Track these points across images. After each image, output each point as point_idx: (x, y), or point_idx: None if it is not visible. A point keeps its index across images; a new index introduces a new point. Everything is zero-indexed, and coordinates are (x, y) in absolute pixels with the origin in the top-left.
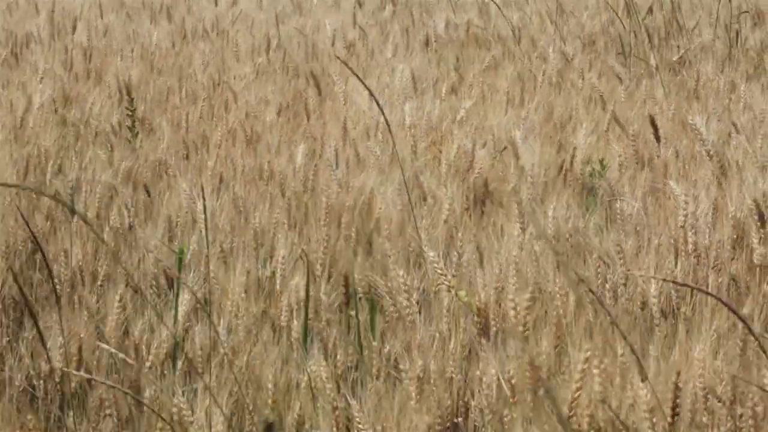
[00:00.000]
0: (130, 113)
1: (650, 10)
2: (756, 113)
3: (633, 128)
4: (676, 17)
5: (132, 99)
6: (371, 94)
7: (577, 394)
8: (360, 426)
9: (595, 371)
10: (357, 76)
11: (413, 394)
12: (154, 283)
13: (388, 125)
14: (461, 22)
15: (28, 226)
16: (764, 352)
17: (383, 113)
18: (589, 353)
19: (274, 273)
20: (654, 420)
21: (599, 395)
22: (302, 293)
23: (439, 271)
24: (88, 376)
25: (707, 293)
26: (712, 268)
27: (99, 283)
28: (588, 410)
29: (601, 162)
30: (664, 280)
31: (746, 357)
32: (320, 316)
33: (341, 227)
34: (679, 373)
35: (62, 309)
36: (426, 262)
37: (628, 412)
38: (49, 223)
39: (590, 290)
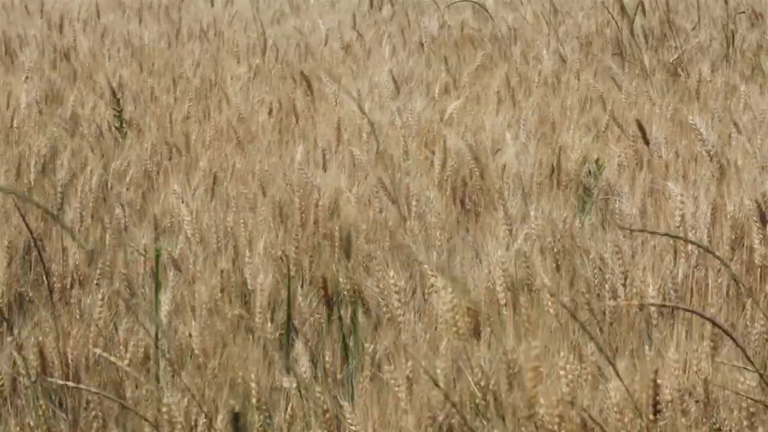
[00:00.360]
0: (117, 114)
1: (644, 10)
2: (756, 113)
3: (632, 129)
4: (672, 18)
5: (118, 99)
6: (357, 96)
7: (536, 394)
8: (352, 427)
9: (562, 372)
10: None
11: (403, 395)
12: (126, 285)
13: (373, 128)
14: (456, 23)
15: (27, 226)
16: (748, 358)
17: (366, 115)
18: (535, 351)
19: (243, 273)
20: (625, 420)
21: (568, 396)
22: (276, 294)
23: (430, 272)
24: (71, 384)
25: (687, 310)
26: (696, 267)
27: (95, 282)
28: (557, 410)
29: (596, 162)
30: (650, 304)
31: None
32: (297, 317)
33: (319, 228)
34: (656, 372)
35: (55, 308)
36: (411, 265)
37: (600, 412)
38: (42, 223)
39: (536, 293)
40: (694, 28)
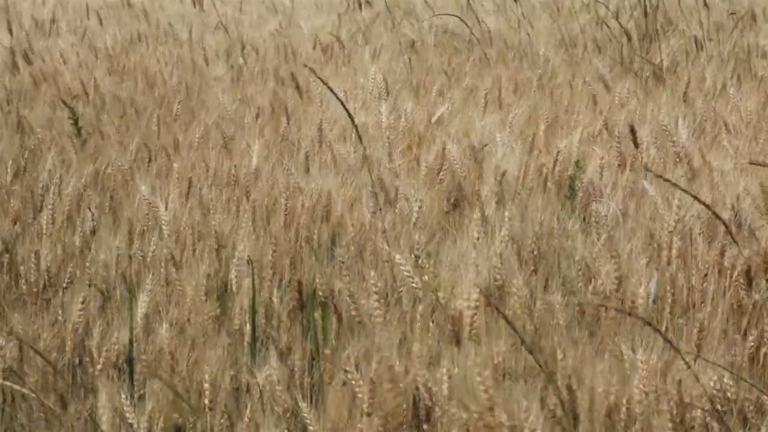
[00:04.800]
0: (73, 121)
1: (634, 12)
2: (743, 114)
3: (618, 131)
4: (664, 18)
5: (72, 107)
6: (339, 99)
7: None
8: (311, 429)
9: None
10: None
11: (367, 398)
12: (103, 287)
13: (357, 129)
14: (442, 25)
15: None
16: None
17: (351, 117)
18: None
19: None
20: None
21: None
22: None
23: (406, 273)
24: (21, 388)
25: None
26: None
27: (64, 285)
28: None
29: (576, 164)
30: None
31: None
32: (273, 320)
33: (299, 229)
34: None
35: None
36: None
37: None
38: (17, 226)
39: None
40: (684, 29)
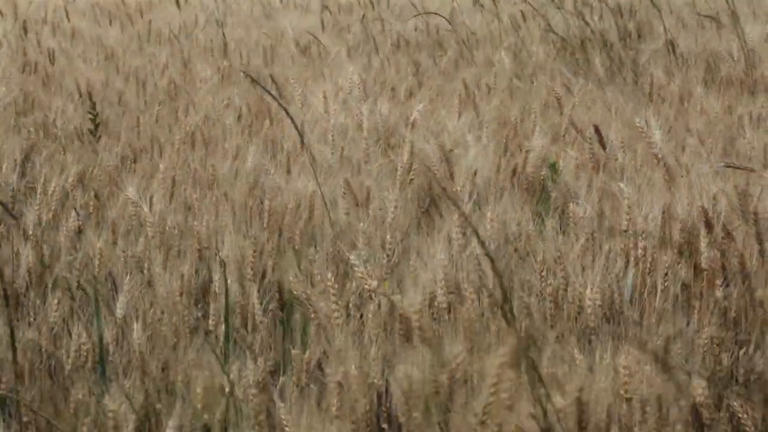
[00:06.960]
0: (92, 117)
1: (614, 14)
2: (710, 117)
3: (588, 132)
4: (639, 22)
5: (94, 103)
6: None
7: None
8: (287, 428)
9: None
10: (272, 95)
11: (334, 401)
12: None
13: (302, 137)
14: (429, 26)
15: None
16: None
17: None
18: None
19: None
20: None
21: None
22: (232, 297)
23: (359, 275)
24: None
25: None
26: (649, 273)
27: (48, 286)
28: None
29: (553, 165)
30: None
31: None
32: (249, 322)
33: (276, 230)
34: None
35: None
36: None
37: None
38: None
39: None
40: (664, 31)
